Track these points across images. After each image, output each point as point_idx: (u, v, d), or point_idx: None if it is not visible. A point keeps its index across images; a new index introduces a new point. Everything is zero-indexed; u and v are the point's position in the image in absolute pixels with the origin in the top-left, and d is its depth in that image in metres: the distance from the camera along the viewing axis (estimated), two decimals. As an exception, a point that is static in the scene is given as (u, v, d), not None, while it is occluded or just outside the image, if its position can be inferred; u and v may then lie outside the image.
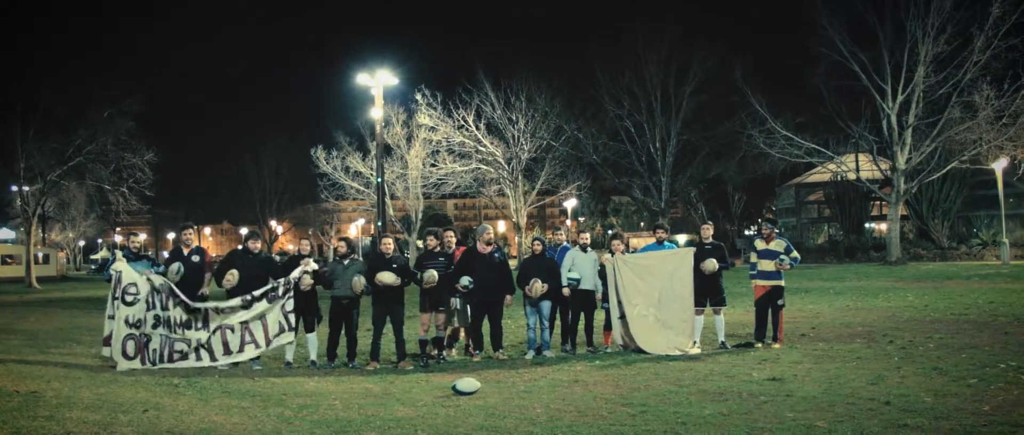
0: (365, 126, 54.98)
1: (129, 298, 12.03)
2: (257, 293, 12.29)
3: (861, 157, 48.72)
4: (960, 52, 39.05)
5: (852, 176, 47.95)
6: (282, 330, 12.36)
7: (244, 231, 14.93)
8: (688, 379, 10.03)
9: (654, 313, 12.86)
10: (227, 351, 12.21)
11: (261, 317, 12.29)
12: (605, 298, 13.28)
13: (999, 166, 40.09)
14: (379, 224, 31.89)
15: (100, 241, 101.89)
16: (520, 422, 7.98)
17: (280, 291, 12.36)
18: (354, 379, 10.99)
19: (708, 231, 13.80)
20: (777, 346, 12.73)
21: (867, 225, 59.75)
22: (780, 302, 13.13)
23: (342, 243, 13.11)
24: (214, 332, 12.19)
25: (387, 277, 12.24)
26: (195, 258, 12.71)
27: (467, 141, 50.50)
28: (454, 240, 13.34)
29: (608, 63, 53.15)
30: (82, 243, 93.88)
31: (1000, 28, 37.75)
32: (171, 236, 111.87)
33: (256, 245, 12.95)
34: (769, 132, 43.43)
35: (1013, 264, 35.77)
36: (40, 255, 56.77)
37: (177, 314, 12.14)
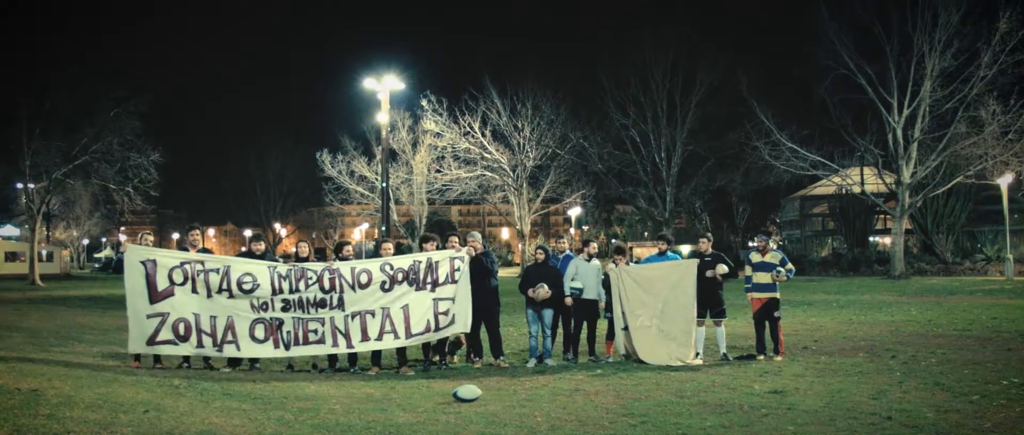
0: (371, 131, 55.07)
1: (247, 286, 11.79)
2: (398, 273, 12.11)
3: (866, 170, 48.67)
4: (967, 67, 39.05)
5: (857, 189, 47.88)
6: (429, 329, 12.08)
7: (248, 233, 14.96)
8: (689, 390, 10.02)
9: (657, 324, 12.83)
10: (365, 338, 11.94)
11: (404, 306, 12.04)
12: (608, 308, 13.27)
13: (1004, 182, 40.03)
14: (383, 229, 31.91)
15: (104, 240, 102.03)
16: (521, 430, 7.97)
17: (421, 273, 12.12)
18: (355, 384, 10.98)
19: (706, 245, 13.61)
20: (779, 359, 12.70)
21: (871, 239, 59.57)
22: (776, 314, 13.11)
23: (347, 248, 13.14)
24: (353, 317, 11.93)
25: None
26: None
27: (472, 148, 50.63)
28: (457, 244, 13.35)
29: (614, 72, 53.24)
30: (86, 242, 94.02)
31: (1007, 44, 37.73)
32: (176, 236, 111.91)
33: (259, 247, 12.95)
34: (774, 144, 43.43)
35: (1017, 280, 35.68)
36: (44, 253, 56.85)
37: (310, 295, 11.89)
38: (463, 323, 12.22)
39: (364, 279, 12.04)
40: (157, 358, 11.99)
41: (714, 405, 9.07)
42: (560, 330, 13.50)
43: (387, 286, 12.07)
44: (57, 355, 13.14)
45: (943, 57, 39.10)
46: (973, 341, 14.53)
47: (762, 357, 12.84)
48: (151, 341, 11.64)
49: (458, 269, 12.27)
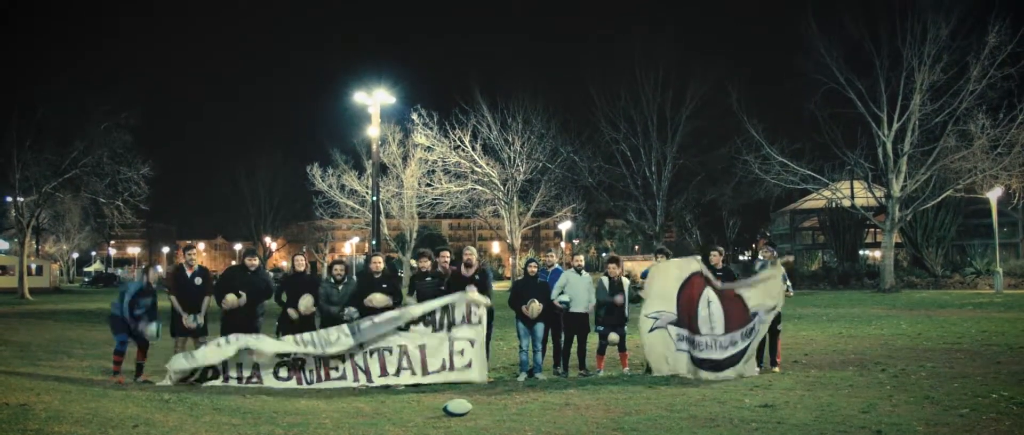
0: (361, 144, 55.11)
1: (282, 373, 11.87)
2: (416, 315, 12.09)
3: (856, 184, 48.80)
4: (956, 81, 39.26)
5: (847, 203, 48.02)
6: (444, 367, 12.07)
7: (239, 247, 15.09)
8: (680, 405, 10.01)
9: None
10: (384, 373, 11.97)
11: (421, 346, 12.06)
12: (599, 322, 13.27)
13: (993, 195, 40.18)
14: (374, 243, 31.89)
15: (94, 253, 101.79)
16: (511, 444, 7.97)
17: (436, 316, 12.12)
18: (345, 398, 10.95)
19: (718, 258, 13.62)
20: (777, 370, 12.76)
21: (861, 252, 59.70)
22: (778, 327, 13.20)
23: (339, 266, 13.15)
24: (371, 354, 11.96)
25: (378, 299, 12.32)
26: (198, 280, 12.70)
27: (463, 161, 50.63)
28: (448, 259, 13.36)
29: (605, 86, 53.32)
30: (76, 255, 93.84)
31: (996, 58, 37.95)
32: (166, 250, 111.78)
33: (253, 262, 12.97)
34: (765, 158, 43.53)
35: (1006, 293, 35.78)
36: (33, 266, 56.74)
37: (329, 336, 11.94)
38: (479, 373, 12.22)
39: (380, 322, 12.05)
40: (140, 369, 12.04)
41: (704, 419, 9.06)
42: (550, 344, 13.51)
43: (404, 325, 12.11)
44: (46, 369, 13.10)
45: (932, 71, 39.30)
46: (963, 354, 14.56)
47: (759, 369, 12.84)
48: (183, 381, 11.78)
49: (474, 312, 12.30)
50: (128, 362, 12.20)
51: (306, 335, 11.91)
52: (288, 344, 11.77)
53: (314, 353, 11.74)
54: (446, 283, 12.90)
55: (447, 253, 13.29)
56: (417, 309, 12.25)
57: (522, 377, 12.74)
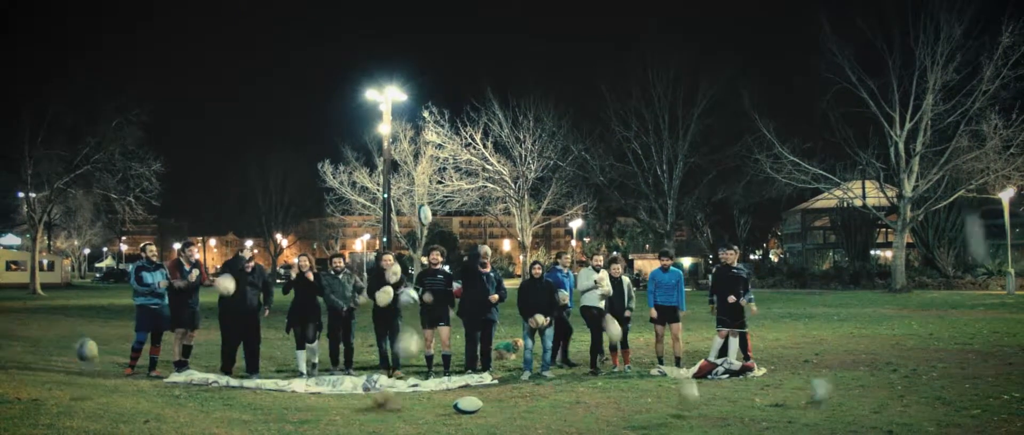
0: (372, 141, 55.12)
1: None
2: (428, 388, 11.81)
3: (868, 184, 48.64)
4: (969, 81, 39.08)
5: (858, 203, 47.87)
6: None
7: (249, 242, 15.27)
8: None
9: None
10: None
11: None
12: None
13: (1006, 196, 39.97)
14: (384, 240, 31.89)
15: (105, 249, 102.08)
16: (521, 442, 7.97)
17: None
18: (356, 395, 10.97)
19: (732, 257, 13.63)
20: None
21: (872, 252, 59.47)
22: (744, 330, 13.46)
23: (338, 259, 13.35)
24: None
25: (383, 297, 12.67)
26: (196, 271, 12.78)
27: (474, 159, 50.62)
28: (439, 259, 13.39)
29: (616, 84, 53.31)
30: (87, 251, 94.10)
31: (1010, 58, 37.74)
32: (177, 246, 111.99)
33: (248, 253, 13.08)
34: (776, 157, 43.45)
35: (1018, 294, 35.62)
36: (45, 262, 56.93)
37: (342, 386, 11.84)
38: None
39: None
40: (154, 364, 12.14)
41: (715, 419, 9.05)
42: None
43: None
44: (58, 364, 13.14)
45: (945, 71, 39.14)
46: (974, 355, 14.50)
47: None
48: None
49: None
50: (142, 358, 12.30)
51: (322, 378, 11.99)
52: (298, 385, 11.68)
53: (324, 392, 11.63)
54: (459, 276, 13.16)
55: (437, 252, 13.40)
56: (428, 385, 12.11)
57: (526, 376, 12.74)
